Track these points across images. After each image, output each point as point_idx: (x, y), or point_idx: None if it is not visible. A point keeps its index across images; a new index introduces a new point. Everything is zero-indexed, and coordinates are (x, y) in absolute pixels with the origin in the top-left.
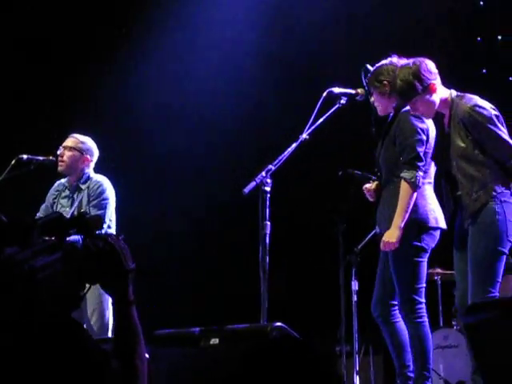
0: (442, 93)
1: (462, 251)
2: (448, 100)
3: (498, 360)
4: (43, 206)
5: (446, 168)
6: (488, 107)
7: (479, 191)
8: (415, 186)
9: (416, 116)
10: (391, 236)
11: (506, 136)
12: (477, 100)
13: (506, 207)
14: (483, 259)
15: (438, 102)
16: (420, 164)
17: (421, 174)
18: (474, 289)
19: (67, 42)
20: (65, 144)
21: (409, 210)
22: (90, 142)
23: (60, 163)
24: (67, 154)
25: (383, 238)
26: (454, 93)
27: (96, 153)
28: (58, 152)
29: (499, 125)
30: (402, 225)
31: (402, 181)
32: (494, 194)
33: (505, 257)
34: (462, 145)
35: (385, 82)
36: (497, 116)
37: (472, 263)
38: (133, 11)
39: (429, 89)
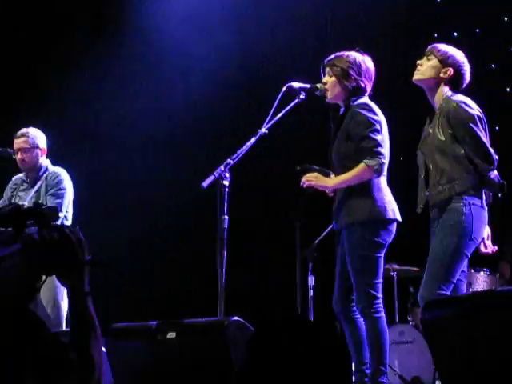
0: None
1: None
2: (442, 95)
3: (454, 358)
4: (0, 201)
5: (424, 160)
6: (474, 107)
7: (445, 185)
8: (378, 173)
9: (368, 108)
10: (324, 182)
11: (484, 139)
12: (465, 99)
13: (473, 209)
14: (442, 256)
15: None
16: (382, 151)
17: (384, 161)
18: (425, 282)
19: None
20: (19, 147)
21: (350, 183)
22: (36, 132)
23: (23, 165)
24: (26, 155)
25: (313, 177)
26: (449, 92)
27: (45, 139)
28: (18, 157)
29: (480, 126)
30: (336, 186)
31: (363, 164)
32: (459, 191)
33: (465, 259)
34: (442, 138)
35: (351, 75)
36: (480, 118)
37: (430, 258)
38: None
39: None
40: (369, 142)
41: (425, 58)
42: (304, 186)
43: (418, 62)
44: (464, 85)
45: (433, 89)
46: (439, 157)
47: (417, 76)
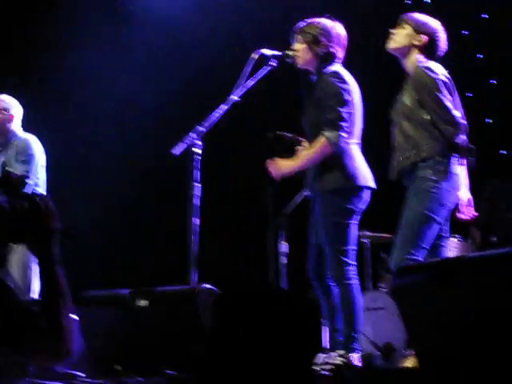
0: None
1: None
2: (415, 63)
3: (424, 324)
4: None
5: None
6: (439, 72)
7: (411, 150)
8: (336, 147)
9: (338, 77)
10: (289, 167)
11: (448, 103)
12: (431, 64)
13: (441, 175)
14: (412, 222)
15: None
16: (344, 124)
17: (344, 135)
18: (396, 248)
19: None
20: None
21: (312, 162)
22: (7, 99)
23: None
24: None
25: (276, 166)
26: (422, 59)
27: (19, 108)
28: None
29: (445, 91)
30: (299, 168)
31: (323, 138)
32: (425, 156)
33: (435, 224)
34: (408, 104)
35: (321, 41)
36: (445, 83)
37: (401, 224)
38: None
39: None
40: (331, 114)
41: (398, 26)
42: (275, 178)
43: (392, 30)
44: (439, 52)
45: (407, 57)
46: (406, 123)
47: (391, 44)
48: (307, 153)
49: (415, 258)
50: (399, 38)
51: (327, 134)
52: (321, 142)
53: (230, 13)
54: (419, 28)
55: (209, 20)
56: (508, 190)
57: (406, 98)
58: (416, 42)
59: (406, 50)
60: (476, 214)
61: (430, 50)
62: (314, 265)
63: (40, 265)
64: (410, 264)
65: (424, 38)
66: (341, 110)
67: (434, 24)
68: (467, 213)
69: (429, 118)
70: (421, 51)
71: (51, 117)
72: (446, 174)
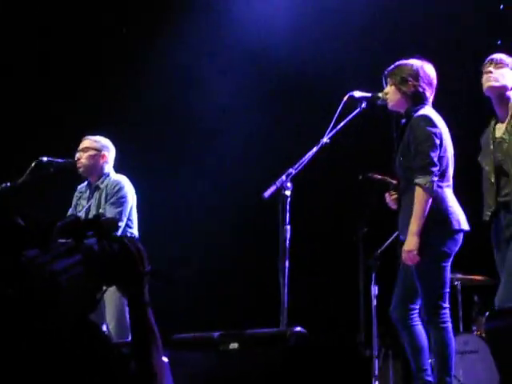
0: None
1: (504, 253)
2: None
3: None
4: (70, 210)
5: (496, 166)
6: None
7: None
8: (430, 192)
9: (428, 121)
10: (409, 244)
11: None
12: None
13: None
14: None
15: None
16: (434, 169)
17: (435, 179)
18: (503, 289)
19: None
20: (81, 147)
21: (424, 216)
22: (104, 140)
23: (79, 165)
24: (84, 155)
25: (403, 248)
26: None
27: (112, 149)
28: (76, 155)
29: None
30: (418, 231)
31: (417, 187)
32: None
33: None
34: None
35: (410, 82)
36: None
37: (509, 265)
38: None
39: None
40: (422, 159)
41: (493, 65)
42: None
43: (489, 68)
44: None
45: (503, 96)
46: None
47: (490, 83)
48: (414, 214)
49: None
50: (498, 76)
51: (418, 180)
52: (418, 194)
53: (322, 53)
54: None
55: (300, 59)
56: None
57: None
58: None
59: (504, 89)
60: None
61: None
62: (397, 305)
63: (130, 306)
64: (503, 307)
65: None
66: (431, 154)
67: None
68: None
69: None
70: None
71: (146, 159)
72: None
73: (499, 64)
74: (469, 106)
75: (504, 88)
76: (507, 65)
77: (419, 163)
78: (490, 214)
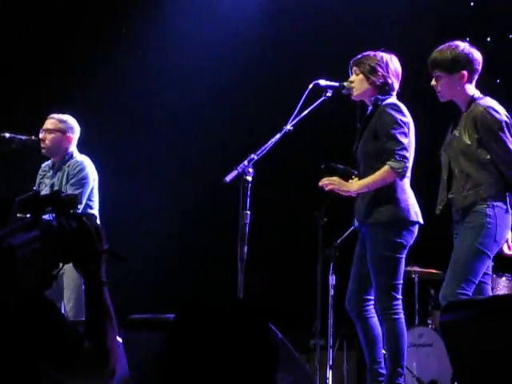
0: (468, 88)
1: None
2: (469, 97)
3: (472, 361)
4: (34, 189)
5: (448, 162)
6: (502, 112)
7: (470, 190)
8: (400, 177)
9: (397, 109)
10: (347, 187)
11: (510, 145)
12: (493, 103)
13: (497, 212)
14: (465, 256)
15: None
16: (407, 155)
17: (408, 165)
18: (447, 282)
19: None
20: (45, 127)
21: (375, 187)
22: (70, 120)
23: (43, 146)
24: (49, 136)
25: (335, 181)
26: (477, 93)
27: (77, 129)
28: (40, 136)
29: (507, 133)
30: (363, 188)
31: (388, 167)
32: (485, 196)
33: (488, 260)
34: (468, 142)
35: (379, 72)
36: (507, 124)
37: (453, 259)
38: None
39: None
40: (395, 144)
41: (433, 78)
42: (326, 189)
43: (432, 84)
44: (476, 74)
45: (458, 97)
46: (464, 161)
47: (442, 99)
48: (368, 179)
49: (466, 292)
50: (443, 90)
51: (392, 163)
52: (385, 170)
53: (288, 41)
54: (454, 66)
55: (266, 47)
56: None
57: (465, 135)
58: (459, 82)
59: (457, 91)
60: None
61: (472, 79)
62: (353, 297)
63: (86, 285)
64: (458, 300)
65: (465, 75)
66: (404, 140)
67: (461, 50)
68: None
69: (489, 157)
70: (468, 82)
71: (106, 137)
72: (502, 211)
73: (438, 76)
74: (433, 100)
75: (453, 94)
76: (444, 69)
77: (392, 147)
78: (441, 207)
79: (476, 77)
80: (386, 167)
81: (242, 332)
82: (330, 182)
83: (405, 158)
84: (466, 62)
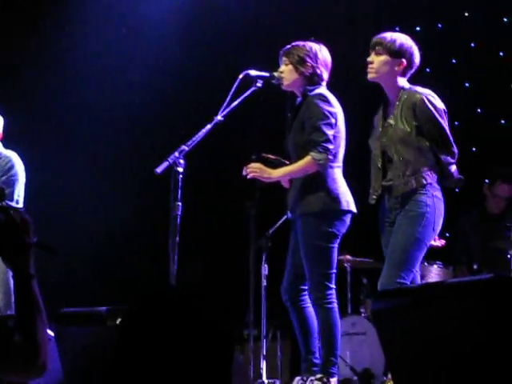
0: (400, 79)
1: (388, 236)
2: (399, 87)
3: (404, 349)
4: None
5: (382, 151)
6: (439, 100)
7: (411, 176)
8: (322, 169)
9: (324, 100)
10: (268, 173)
11: (448, 131)
12: (429, 91)
13: (436, 201)
14: (404, 245)
15: None
16: (331, 147)
17: (330, 157)
18: (385, 271)
19: None
20: None
21: (295, 176)
22: None
23: None
24: None
25: (257, 168)
26: (406, 84)
27: (1, 121)
28: None
29: (445, 119)
30: (281, 176)
31: (310, 158)
32: (425, 182)
33: (425, 249)
34: (407, 129)
35: (307, 62)
36: (445, 111)
37: (392, 247)
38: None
39: None
40: (319, 135)
41: (373, 53)
42: (248, 177)
43: (368, 59)
44: (414, 69)
45: (388, 82)
46: (403, 148)
47: (371, 75)
48: (289, 167)
49: (405, 282)
50: (378, 67)
51: (314, 154)
52: (306, 160)
53: (218, 31)
54: (397, 52)
55: (196, 37)
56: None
57: (403, 123)
58: (396, 68)
59: (387, 77)
60: (443, 242)
61: (408, 70)
62: (288, 286)
63: (14, 278)
64: (389, 288)
65: (403, 63)
66: (328, 131)
67: (407, 42)
68: (438, 241)
69: (427, 144)
70: (402, 74)
71: (30, 132)
72: (439, 200)
73: (379, 51)
74: (363, 88)
75: (385, 76)
76: (387, 49)
77: (316, 139)
78: (375, 197)
79: (409, 74)
80: (308, 158)
81: (195, 323)
82: (251, 170)
83: (327, 149)
84: (409, 54)
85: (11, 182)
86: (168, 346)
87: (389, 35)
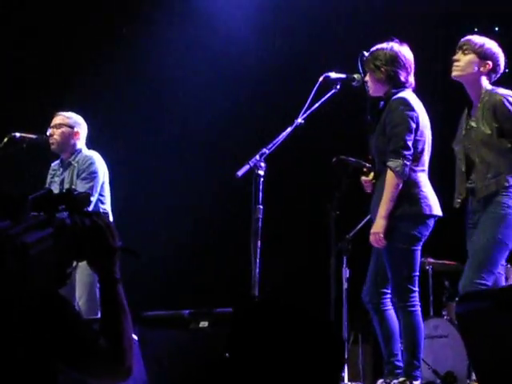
0: (484, 80)
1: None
2: (482, 89)
3: (489, 352)
4: (46, 187)
5: (466, 153)
6: None
7: (492, 179)
8: (401, 176)
9: (405, 104)
10: (377, 226)
11: None
12: (509, 92)
13: None
14: (485, 246)
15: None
16: (406, 153)
17: (407, 163)
18: (466, 272)
19: (64, 30)
20: (53, 123)
21: (393, 200)
22: (76, 116)
23: (52, 142)
24: (57, 131)
25: (371, 231)
26: (489, 86)
27: (84, 126)
28: (48, 132)
29: None
30: (387, 215)
31: (388, 170)
32: (506, 184)
33: (507, 250)
34: (488, 132)
35: (382, 68)
36: None
37: (473, 249)
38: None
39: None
40: (396, 142)
41: (460, 52)
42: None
43: (455, 57)
44: (498, 74)
45: (472, 83)
46: (485, 150)
47: (456, 72)
48: (384, 197)
49: (486, 283)
50: (464, 65)
51: (390, 163)
52: (388, 177)
53: (301, 34)
54: (483, 54)
55: (274, 40)
56: None
57: (484, 125)
58: (482, 69)
59: (471, 77)
60: None
61: (493, 74)
62: (370, 289)
63: (100, 282)
64: (474, 291)
65: (489, 64)
66: (405, 137)
67: (496, 47)
68: None
69: (509, 145)
70: (487, 77)
71: (115, 132)
72: None
73: (466, 50)
74: (450, 91)
75: (470, 76)
76: (475, 50)
77: (392, 146)
78: (459, 201)
79: (493, 79)
80: (388, 174)
81: (308, 331)
82: (374, 242)
83: (403, 156)
84: (496, 58)
85: (90, 178)
86: (281, 352)
87: (477, 37)
